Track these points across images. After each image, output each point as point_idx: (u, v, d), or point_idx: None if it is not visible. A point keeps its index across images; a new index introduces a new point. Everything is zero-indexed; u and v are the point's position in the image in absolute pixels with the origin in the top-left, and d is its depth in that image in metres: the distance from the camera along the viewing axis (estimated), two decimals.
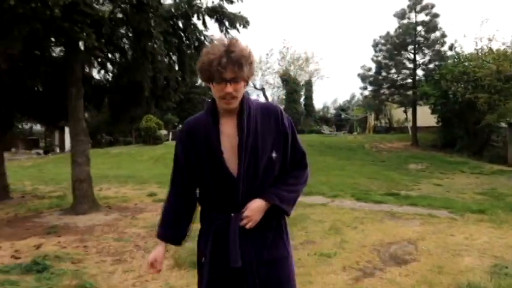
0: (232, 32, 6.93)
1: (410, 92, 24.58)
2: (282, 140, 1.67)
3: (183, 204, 1.76)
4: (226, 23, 6.92)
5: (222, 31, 7.00)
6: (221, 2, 6.88)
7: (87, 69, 8.65)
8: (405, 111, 29.60)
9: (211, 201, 1.69)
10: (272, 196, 1.64)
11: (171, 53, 7.37)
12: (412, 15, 24.32)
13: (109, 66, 8.62)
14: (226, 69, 1.51)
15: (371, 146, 22.27)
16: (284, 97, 39.65)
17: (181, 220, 1.78)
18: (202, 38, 7.17)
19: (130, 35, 7.49)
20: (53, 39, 7.69)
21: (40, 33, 5.68)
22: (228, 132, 1.62)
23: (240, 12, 7.02)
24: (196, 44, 7.17)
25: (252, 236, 1.63)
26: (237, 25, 6.91)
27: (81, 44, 7.26)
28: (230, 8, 6.96)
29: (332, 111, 49.28)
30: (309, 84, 40.34)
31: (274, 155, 1.64)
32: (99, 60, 8.49)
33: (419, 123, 24.36)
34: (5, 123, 9.33)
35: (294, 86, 38.03)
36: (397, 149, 21.56)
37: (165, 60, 7.27)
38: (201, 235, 1.76)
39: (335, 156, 19.15)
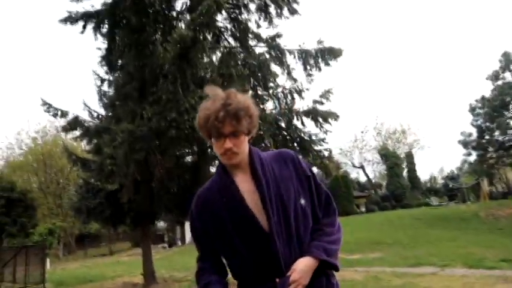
0: (325, 126, 8.51)
1: None
2: (306, 185, 1.54)
3: (217, 272, 1.58)
4: (320, 120, 8.48)
5: (317, 126, 8.57)
6: (314, 105, 8.58)
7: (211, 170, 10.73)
8: None
9: (247, 270, 1.50)
10: (318, 251, 1.47)
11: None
12: (507, 74, 23.93)
13: None
14: (223, 124, 1.43)
15: (487, 214, 20.90)
16: (385, 172, 39.33)
17: (221, 282, 1.56)
18: (302, 134, 8.79)
19: None
20: (188, 150, 10.01)
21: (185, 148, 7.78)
22: (246, 189, 1.49)
23: (330, 109, 8.60)
24: (298, 139, 8.79)
25: None
26: (329, 120, 8.43)
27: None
28: (322, 107, 8.62)
29: (440, 181, 46.80)
30: (410, 156, 39.71)
31: (302, 201, 1.51)
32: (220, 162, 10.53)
33: None
34: (151, 220, 11.65)
35: (394, 160, 37.77)
36: None
37: None
38: None
39: (446, 228, 18.46)
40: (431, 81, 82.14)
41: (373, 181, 44.04)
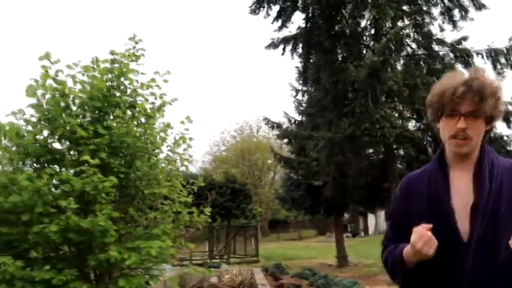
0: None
1: None
2: None
3: None
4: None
5: (509, 128, 8.62)
6: (505, 107, 8.58)
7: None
8: None
9: (427, 271, 1.27)
10: None
11: None
12: None
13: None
14: (462, 100, 1.21)
15: None
16: None
17: None
18: (491, 134, 8.84)
19: (430, 139, 10.05)
20: (371, 150, 11.21)
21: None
22: (460, 188, 1.27)
23: None
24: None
25: None
26: None
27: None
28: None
29: None
30: None
31: None
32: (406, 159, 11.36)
33: None
34: (342, 211, 13.30)
35: None
36: None
37: None
38: None
39: None
40: None
41: None
